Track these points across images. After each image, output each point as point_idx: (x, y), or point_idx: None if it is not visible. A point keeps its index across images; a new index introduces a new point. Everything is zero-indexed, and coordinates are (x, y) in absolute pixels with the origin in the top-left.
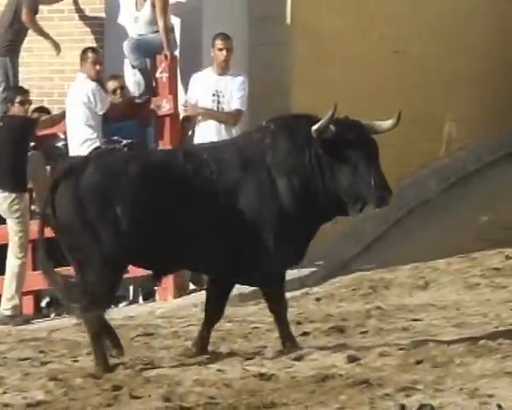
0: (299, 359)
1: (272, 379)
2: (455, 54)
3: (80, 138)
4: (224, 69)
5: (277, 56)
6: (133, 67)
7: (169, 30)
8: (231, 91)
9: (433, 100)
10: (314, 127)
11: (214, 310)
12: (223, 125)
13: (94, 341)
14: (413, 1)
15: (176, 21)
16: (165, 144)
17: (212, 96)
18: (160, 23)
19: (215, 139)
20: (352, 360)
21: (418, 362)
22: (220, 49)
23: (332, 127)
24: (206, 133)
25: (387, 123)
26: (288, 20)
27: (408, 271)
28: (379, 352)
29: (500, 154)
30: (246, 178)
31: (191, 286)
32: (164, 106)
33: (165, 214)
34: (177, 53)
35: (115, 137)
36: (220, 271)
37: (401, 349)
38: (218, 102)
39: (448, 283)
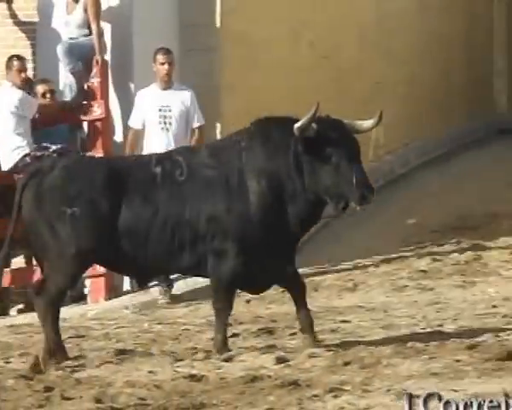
0: (228, 360)
1: (202, 380)
2: (381, 58)
3: (11, 146)
4: (168, 83)
5: (207, 62)
6: (67, 70)
7: (100, 35)
8: (179, 106)
9: (360, 104)
10: (296, 125)
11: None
12: (171, 141)
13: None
14: (341, 8)
15: (106, 27)
16: (96, 148)
17: (158, 112)
18: (93, 27)
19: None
20: (280, 361)
21: (346, 363)
22: (162, 64)
23: (314, 126)
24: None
25: (368, 123)
26: (218, 27)
27: (337, 273)
28: (308, 353)
29: (427, 158)
30: (215, 180)
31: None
32: (95, 110)
33: (127, 216)
34: (108, 58)
35: (45, 144)
36: (175, 269)
37: (329, 351)
38: (165, 117)
39: (376, 285)
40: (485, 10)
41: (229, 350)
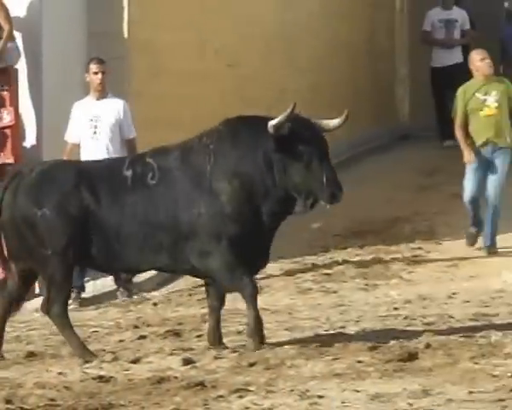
0: (136, 361)
1: (111, 381)
2: (285, 66)
3: None
4: (102, 93)
5: (115, 70)
6: None
7: (10, 41)
8: (109, 116)
9: (264, 112)
10: (272, 123)
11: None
12: (102, 150)
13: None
14: (246, 16)
15: (16, 35)
16: (6, 155)
17: (89, 122)
18: (5, 32)
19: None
20: (187, 362)
21: (251, 364)
22: (95, 73)
23: (288, 124)
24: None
25: (335, 121)
26: (125, 35)
27: None
28: (213, 355)
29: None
30: (184, 181)
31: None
32: (5, 117)
33: (96, 217)
34: (17, 66)
35: None
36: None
37: (235, 352)
38: (95, 127)
39: (281, 288)
40: (387, 19)
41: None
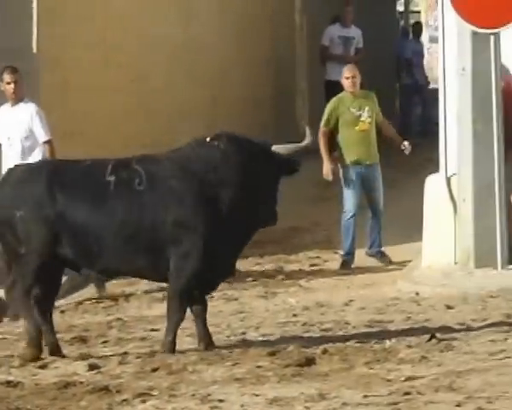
0: (43, 367)
1: (18, 386)
2: (188, 81)
3: None
4: (15, 100)
5: (25, 85)
6: None
7: None
8: (21, 122)
9: (168, 125)
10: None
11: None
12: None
13: None
14: (150, 32)
15: None
16: None
17: (4, 128)
18: None
19: None
20: (92, 367)
21: (154, 369)
22: (8, 83)
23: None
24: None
25: None
26: (34, 51)
27: (147, 285)
28: (118, 360)
29: None
30: (171, 191)
31: None
32: None
33: (78, 218)
34: None
35: None
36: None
37: (139, 358)
38: (9, 133)
39: None
40: (287, 35)
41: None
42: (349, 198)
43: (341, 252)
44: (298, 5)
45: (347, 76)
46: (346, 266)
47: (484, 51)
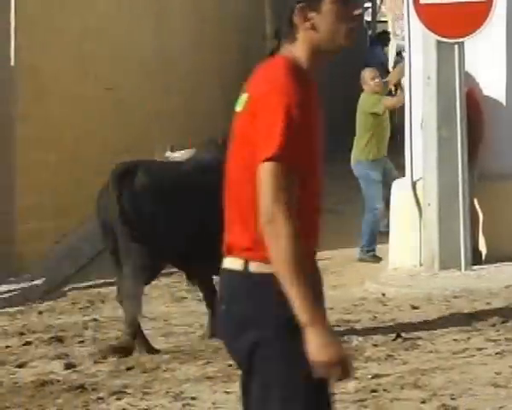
0: (21, 366)
1: None
2: (160, 89)
3: None
4: None
5: (1, 93)
6: None
7: None
8: None
9: (140, 133)
10: None
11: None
12: None
13: None
14: (123, 41)
15: None
16: None
17: None
18: None
19: None
20: (69, 366)
21: (129, 368)
22: None
23: None
24: None
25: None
26: (12, 60)
27: None
28: (94, 359)
29: None
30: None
31: None
32: None
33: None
34: None
35: None
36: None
37: (114, 357)
38: None
39: (158, 296)
40: (259, 45)
41: None
42: (378, 194)
43: (366, 248)
44: (268, 15)
45: (373, 77)
46: (378, 258)
47: (448, 60)
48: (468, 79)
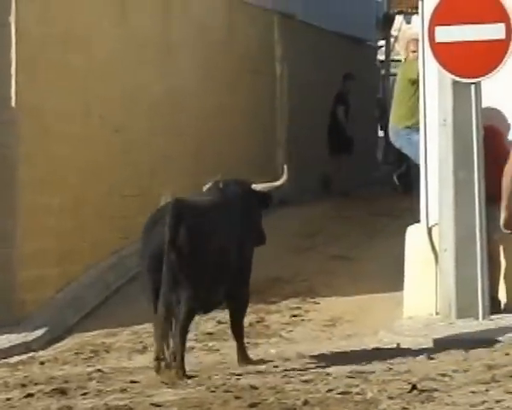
0: None
1: None
2: (168, 132)
3: None
4: None
5: (3, 134)
6: None
7: None
8: None
9: (148, 176)
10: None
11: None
12: None
13: None
14: (131, 83)
15: None
16: None
17: None
18: None
19: None
20: None
21: None
22: None
23: None
24: None
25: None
26: (13, 101)
27: (127, 335)
28: None
29: None
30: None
31: None
32: None
33: None
34: None
35: None
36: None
37: (119, 409)
38: None
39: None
40: (268, 85)
41: None
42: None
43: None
44: (278, 54)
45: (414, 50)
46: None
47: (465, 101)
48: (490, 113)
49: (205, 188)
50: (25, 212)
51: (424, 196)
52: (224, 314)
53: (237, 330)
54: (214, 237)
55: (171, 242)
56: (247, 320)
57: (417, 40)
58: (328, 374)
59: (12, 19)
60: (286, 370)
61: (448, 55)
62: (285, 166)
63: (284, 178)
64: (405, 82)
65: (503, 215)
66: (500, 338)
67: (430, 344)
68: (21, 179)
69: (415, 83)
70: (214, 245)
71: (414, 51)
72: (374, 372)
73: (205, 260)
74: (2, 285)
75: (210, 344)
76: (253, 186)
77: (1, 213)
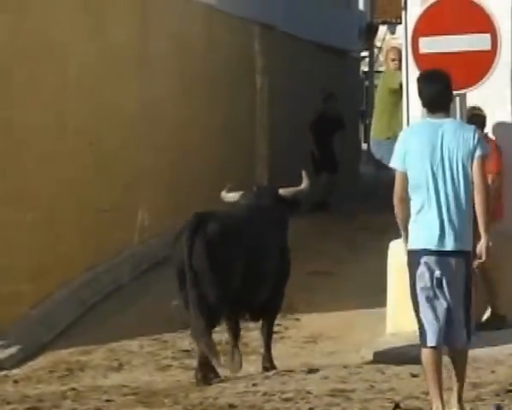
0: None
1: None
2: (144, 147)
3: None
4: None
5: None
6: None
7: None
8: None
9: (124, 189)
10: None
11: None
12: None
13: None
14: (106, 96)
15: None
16: None
17: None
18: None
19: None
20: None
21: None
22: None
23: None
24: None
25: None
26: None
27: (102, 353)
28: None
29: None
30: None
31: None
32: None
33: None
34: None
35: None
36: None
37: None
38: None
39: (141, 365)
40: (248, 99)
41: None
42: None
43: None
44: (258, 65)
45: (393, 58)
46: None
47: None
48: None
49: (237, 195)
50: None
51: None
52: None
53: (268, 336)
54: (237, 250)
55: (189, 258)
56: (223, 339)
57: (396, 48)
58: (308, 392)
59: None
60: (265, 388)
61: (431, 66)
62: (303, 172)
63: (306, 182)
64: (385, 92)
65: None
66: (485, 355)
67: (413, 362)
68: None
69: (395, 92)
70: (237, 257)
71: (393, 60)
72: (355, 391)
73: (229, 273)
74: None
75: (187, 362)
76: (280, 191)
77: None
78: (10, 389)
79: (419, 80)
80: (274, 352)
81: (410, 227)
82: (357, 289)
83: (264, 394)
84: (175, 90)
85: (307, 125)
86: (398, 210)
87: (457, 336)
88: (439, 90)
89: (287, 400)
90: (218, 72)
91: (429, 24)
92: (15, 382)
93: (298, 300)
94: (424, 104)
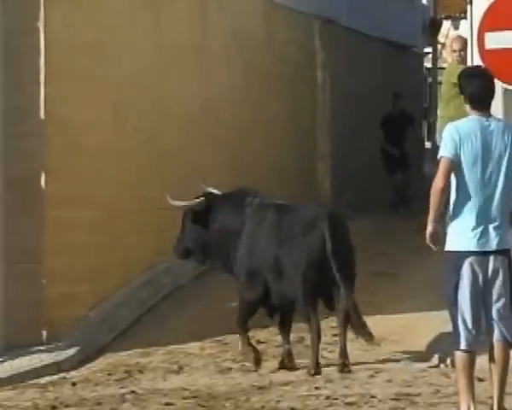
0: None
1: None
2: (204, 145)
3: None
4: None
5: (31, 147)
6: None
7: None
8: None
9: (181, 188)
10: None
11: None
12: None
13: None
14: (165, 93)
15: None
16: None
17: None
18: None
19: None
20: None
21: None
22: None
23: None
24: None
25: None
26: (42, 112)
27: (162, 355)
28: None
29: None
30: None
31: None
32: None
33: None
34: None
35: None
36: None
37: None
38: None
39: (201, 367)
40: (309, 96)
41: None
42: None
43: None
44: (319, 61)
45: (455, 49)
46: None
47: None
48: None
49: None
50: (52, 226)
51: None
52: (264, 334)
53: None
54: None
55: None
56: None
57: (461, 38)
58: (372, 397)
59: (41, 24)
60: (328, 392)
61: (498, 62)
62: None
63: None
64: (449, 85)
65: (428, 229)
66: None
67: (480, 365)
68: (49, 193)
69: (456, 86)
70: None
71: (455, 51)
72: (420, 395)
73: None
74: (28, 301)
75: (247, 364)
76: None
77: (27, 228)
78: (68, 391)
79: (462, 77)
80: (337, 355)
81: (451, 227)
82: (420, 292)
83: (327, 397)
84: (234, 87)
85: (378, 123)
86: (435, 200)
87: (508, 330)
88: (486, 87)
89: (350, 404)
90: (278, 68)
91: (496, 19)
92: (73, 384)
93: (360, 301)
94: (470, 100)
